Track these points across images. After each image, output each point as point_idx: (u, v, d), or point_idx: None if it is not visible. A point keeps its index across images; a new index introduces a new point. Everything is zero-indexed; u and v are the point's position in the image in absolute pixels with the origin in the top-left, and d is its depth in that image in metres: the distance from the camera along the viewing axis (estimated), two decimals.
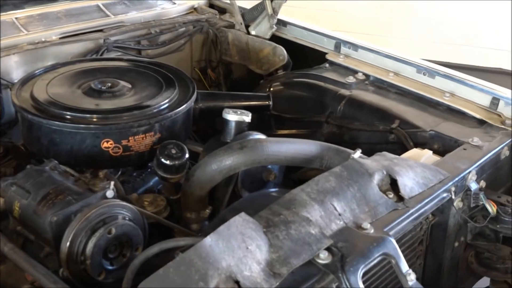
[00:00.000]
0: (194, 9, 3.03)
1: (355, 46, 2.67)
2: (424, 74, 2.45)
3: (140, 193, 1.96)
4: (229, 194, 1.87)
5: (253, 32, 2.87)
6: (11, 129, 2.29)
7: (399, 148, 2.14)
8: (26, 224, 1.59)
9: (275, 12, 2.79)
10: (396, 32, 6.48)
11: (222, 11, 3.08)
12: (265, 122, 2.53)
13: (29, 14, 2.44)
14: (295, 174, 2.24)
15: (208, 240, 1.31)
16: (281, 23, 2.88)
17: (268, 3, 2.76)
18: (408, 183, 1.71)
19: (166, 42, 2.76)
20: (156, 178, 2.07)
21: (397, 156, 1.84)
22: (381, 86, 2.48)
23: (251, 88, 2.73)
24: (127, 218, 1.51)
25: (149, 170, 2.11)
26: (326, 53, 2.73)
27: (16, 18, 2.40)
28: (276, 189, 1.90)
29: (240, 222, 1.40)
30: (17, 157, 2.08)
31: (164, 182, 1.86)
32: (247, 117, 1.97)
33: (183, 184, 1.83)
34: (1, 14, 2.30)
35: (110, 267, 1.49)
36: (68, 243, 1.43)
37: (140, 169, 2.11)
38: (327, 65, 2.67)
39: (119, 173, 2.03)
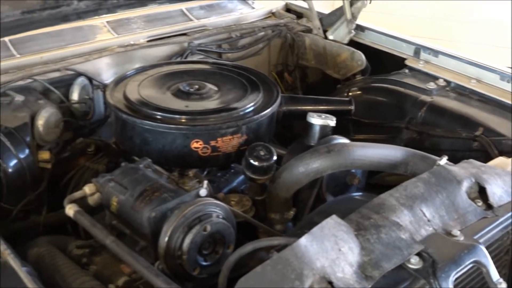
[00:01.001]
0: (272, 14, 3.08)
1: (435, 52, 2.65)
2: (508, 82, 2.40)
3: (224, 193, 2.01)
4: (313, 196, 1.90)
5: (331, 37, 2.89)
6: (100, 128, 2.40)
7: (483, 156, 2.11)
8: (122, 219, 1.67)
9: (354, 17, 2.80)
10: (452, 36, 6.28)
11: (299, 15, 3.12)
12: (343, 126, 2.55)
13: (119, 18, 2.54)
14: (373, 178, 2.25)
15: (303, 240, 1.35)
16: (359, 28, 2.89)
17: (347, 8, 2.77)
18: (497, 192, 1.69)
19: (245, 46, 2.82)
20: (240, 178, 2.13)
21: (484, 164, 1.82)
22: (462, 92, 2.45)
23: (327, 92, 2.75)
24: (220, 217, 1.57)
25: (232, 170, 2.17)
26: (405, 59, 2.72)
27: (107, 21, 2.51)
28: (361, 193, 1.91)
29: (332, 225, 1.43)
30: (108, 154, 2.18)
31: (251, 183, 1.91)
32: (332, 122, 2.00)
33: (269, 186, 1.87)
34: (94, 18, 2.40)
35: (204, 263, 1.55)
36: (166, 238, 1.50)
37: (223, 169, 2.17)
38: (406, 70, 2.66)
39: (205, 172, 2.09)
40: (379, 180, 2.27)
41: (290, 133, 2.60)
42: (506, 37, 5.98)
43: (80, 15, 2.11)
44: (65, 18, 2.08)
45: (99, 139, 2.30)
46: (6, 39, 2.22)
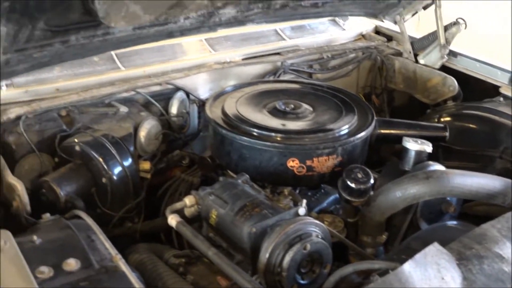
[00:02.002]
0: (362, 36, 3.10)
1: None
2: None
3: (316, 213, 2.03)
4: (407, 222, 1.89)
5: (422, 61, 2.87)
6: (193, 141, 2.48)
7: None
8: (220, 232, 1.71)
9: (448, 42, 2.77)
10: None
11: (388, 38, 3.11)
12: (432, 152, 2.52)
13: (216, 36, 2.62)
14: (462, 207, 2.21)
15: (407, 266, 1.35)
16: (451, 53, 2.85)
17: (441, 33, 2.75)
18: None
19: (336, 67, 2.85)
20: (330, 199, 2.14)
21: None
22: None
23: (413, 116, 2.72)
24: (320, 236, 1.59)
25: (322, 190, 2.18)
26: (498, 86, 2.66)
27: (205, 39, 2.60)
28: (456, 222, 1.89)
29: (435, 252, 1.43)
30: (202, 168, 2.24)
31: (345, 204, 1.92)
32: (428, 148, 1.99)
33: (363, 208, 1.88)
34: (192, 36, 2.48)
35: (301, 281, 1.57)
36: (267, 255, 1.53)
37: (314, 189, 2.19)
38: (501, 99, 2.60)
39: (297, 191, 2.12)
40: (467, 209, 2.23)
41: (377, 156, 2.60)
42: None
43: (184, 32, 2.19)
44: (170, 35, 2.17)
45: (193, 152, 2.37)
46: (113, 52, 2.33)
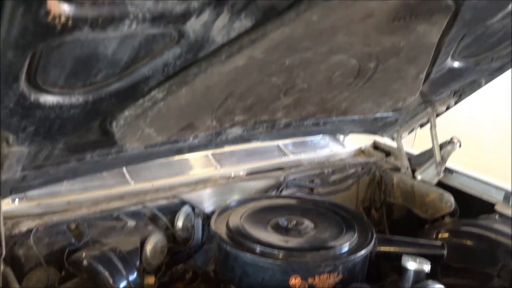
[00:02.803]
0: (361, 151, 3.22)
1: None
2: None
3: None
4: None
5: (419, 177, 2.97)
6: (196, 253, 2.52)
7: None
8: None
9: (443, 159, 2.89)
10: None
11: (387, 153, 3.24)
12: (431, 268, 2.55)
13: (222, 152, 2.74)
14: None
15: None
16: (447, 170, 2.97)
17: (437, 151, 2.88)
18: None
19: (336, 181, 2.94)
20: None
21: None
22: None
23: (411, 230, 2.78)
24: None
25: None
26: (494, 204, 2.75)
27: (211, 154, 2.72)
28: None
29: None
30: (205, 281, 2.27)
31: None
32: (427, 266, 2.04)
33: None
34: (199, 151, 2.60)
35: None
36: None
37: None
38: (496, 216, 2.68)
39: None
40: None
41: (377, 272, 2.63)
42: None
43: (192, 149, 2.31)
44: (179, 151, 2.28)
45: (196, 266, 2.41)
46: (124, 168, 2.43)
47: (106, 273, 1.99)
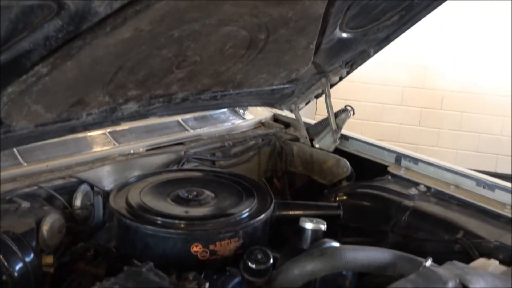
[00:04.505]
0: (261, 124, 3.29)
1: (415, 160, 2.83)
2: (484, 187, 2.57)
3: None
4: None
5: (317, 145, 3.08)
6: (98, 232, 2.49)
7: (464, 258, 2.23)
8: None
9: (338, 127, 3.01)
10: (442, 143, 6.76)
11: (286, 125, 3.33)
12: (331, 230, 2.66)
13: (120, 129, 2.71)
14: (363, 280, 2.34)
15: None
16: (343, 137, 3.09)
17: (332, 119, 2.99)
18: None
19: (237, 154, 2.99)
20: (235, 281, 2.19)
21: (467, 265, 1.94)
22: (442, 198, 2.61)
23: (313, 197, 2.88)
24: None
25: (227, 273, 2.24)
26: (387, 166, 2.90)
27: (108, 132, 2.67)
28: None
29: None
30: (107, 258, 2.25)
31: (248, 285, 1.99)
32: (323, 226, 2.12)
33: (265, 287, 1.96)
34: (95, 129, 2.55)
35: None
36: None
37: (219, 272, 2.25)
38: (389, 177, 2.82)
39: (202, 276, 2.17)
40: (369, 281, 2.36)
41: (281, 237, 2.71)
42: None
43: (87, 127, 2.27)
44: (73, 130, 2.23)
45: (98, 243, 2.38)
46: (14, 148, 2.35)
47: (0, 256, 1.93)
